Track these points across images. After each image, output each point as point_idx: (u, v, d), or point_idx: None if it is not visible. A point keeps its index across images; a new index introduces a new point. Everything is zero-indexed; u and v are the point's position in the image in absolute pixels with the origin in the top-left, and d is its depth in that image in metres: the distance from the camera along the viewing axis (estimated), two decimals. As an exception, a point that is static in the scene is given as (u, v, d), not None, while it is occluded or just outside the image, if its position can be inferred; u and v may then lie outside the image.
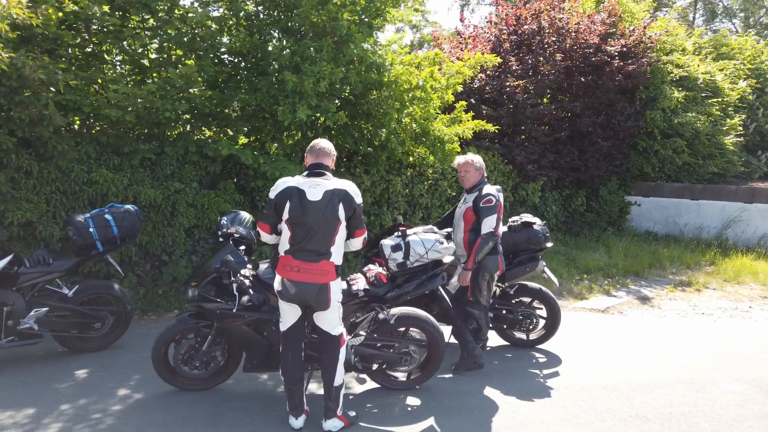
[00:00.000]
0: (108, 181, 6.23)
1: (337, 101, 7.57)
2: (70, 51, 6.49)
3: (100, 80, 6.23)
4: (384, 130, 7.41)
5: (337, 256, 3.79)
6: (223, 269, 4.06)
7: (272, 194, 3.77)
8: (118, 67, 7.17)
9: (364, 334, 4.41)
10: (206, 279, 4.13)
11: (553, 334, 5.83)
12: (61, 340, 5.10)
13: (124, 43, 6.72)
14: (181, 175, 6.83)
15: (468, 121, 8.83)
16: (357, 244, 3.98)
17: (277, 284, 3.79)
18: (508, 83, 10.59)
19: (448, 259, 4.62)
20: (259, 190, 7.39)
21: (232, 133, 7.78)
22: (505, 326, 5.78)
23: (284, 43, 6.96)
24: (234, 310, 4.02)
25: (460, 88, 8.39)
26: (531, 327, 5.76)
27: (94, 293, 5.16)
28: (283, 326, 3.89)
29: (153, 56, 6.91)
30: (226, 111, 7.44)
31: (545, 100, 11.22)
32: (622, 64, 11.32)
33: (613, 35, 11.95)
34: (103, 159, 6.40)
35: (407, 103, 7.44)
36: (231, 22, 7.33)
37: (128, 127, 6.59)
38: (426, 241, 4.40)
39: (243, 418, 4.12)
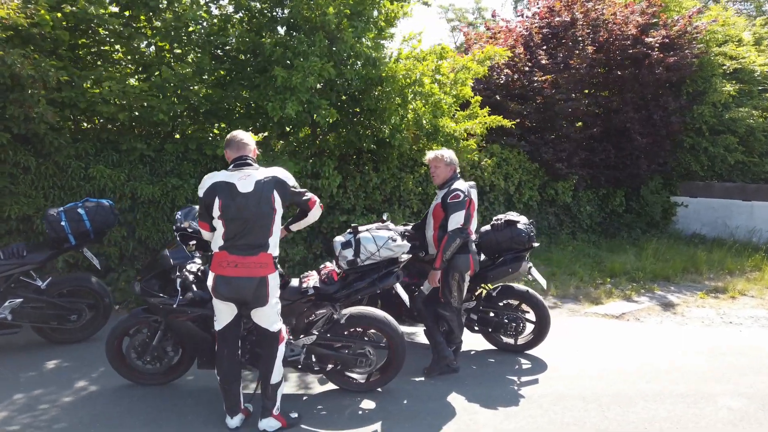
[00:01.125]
0: (105, 177, 6.37)
1: (343, 96, 7.48)
2: (76, 51, 6.68)
3: (98, 78, 6.35)
4: (386, 126, 7.22)
5: (274, 248, 3.69)
6: (163, 264, 4.03)
7: (200, 192, 3.66)
8: (128, 66, 7.29)
9: (317, 333, 4.28)
10: (150, 273, 4.12)
11: (543, 339, 5.50)
12: (38, 331, 5.24)
13: (130, 42, 6.83)
14: (180, 172, 6.90)
15: (484, 116, 8.55)
16: (315, 214, 3.97)
17: (210, 282, 3.68)
18: (535, 78, 10.17)
19: (404, 257, 4.43)
20: (261, 187, 7.38)
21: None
22: (490, 330, 5.50)
23: (277, 38, 6.90)
24: (175, 306, 3.97)
25: (470, 83, 8.10)
26: (518, 331, 5.46)
27: (71, 286, 5.27)
28: (218, 325, 3.79)
29: (155, 55, 7.01)
30: (234, 109, 7.47)
31: (580, 95, 10.69)
32: (662, 56, 10.65)
33: (656, 26, 11.26)
34: (102, 155, 6.55)
35: (409, 99, 7.23)
36: (234, 20, 7.35)
37: (128, 125, 6.71)
38: (378, 238, 4.22)
39: (186, 414, 4.07)
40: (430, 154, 4.94)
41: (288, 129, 7.63)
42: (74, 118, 6.70)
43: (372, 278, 4.25)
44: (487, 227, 5.45)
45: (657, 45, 10.77)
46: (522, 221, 5.36)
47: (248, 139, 3.84)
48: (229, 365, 3.78)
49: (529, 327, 5.51)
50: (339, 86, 7.09)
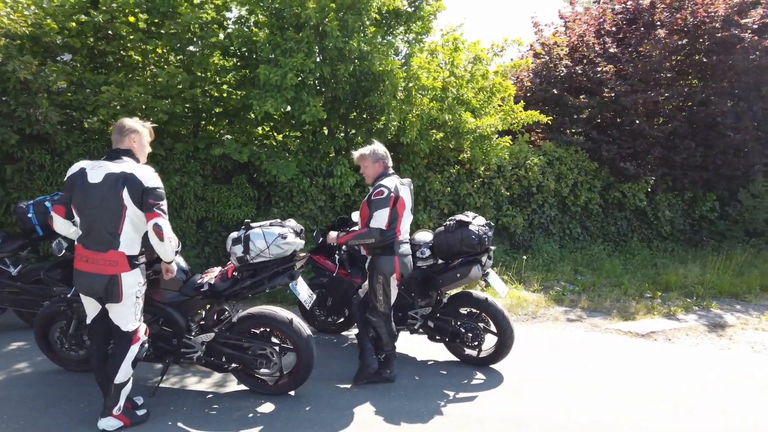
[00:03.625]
0: (113, 175, 6.74)
1: (359, 94, 7.30)
2: (104, 57, 7.17)
3: (105, 81, 6.74)
4: (385, 121, 6.93)
5: (128, 246, 3.50)
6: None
7: (67, 175, 3.61)
8: (152, 69, 7.69)
9: (216, 330, 4.19)
10: (56, 262, 4.27)
11: (506, 353, 4.93)
12: (20, 316, 5.65)
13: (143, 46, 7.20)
14: (186, 170, 7.13)
15: (519, 112, 7.94)
16: (152, 235, 3.49)
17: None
18: (599, 68, 9.24)
19: (301, 255, 4.18)
20: (273, 186, 7.45)
21: (261, 131, 7.98)
22: (447, 339, 5.04)
23: (268, 36, 6.87)
24: (69, 295, 4.08)
25: (491, 74, 7.53)
26: (479, 342, 4.95)
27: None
28: (87, 319, 3.76)
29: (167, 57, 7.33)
30: (246, 108, 7.60)
31: (658, 86, 9.51)
32: (756, 39, 9.16)
33: (756, 5, 9.71)
34: (115, 154, 6.94)
35: (414, 94, 6.87)
36: (250, 20, 7.47)
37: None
38: (267, 235, 4.00)
39: (78, 402, 4.09)
40: (356, 153, 4.65)
41: (308, 127, 7.60)
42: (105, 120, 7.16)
43: (261, 276, 4.05)
44: (441, 228, 5.01)
45: (755, 26, 9.30)
46: (476, 222, 4.86)
47: (129, 126, 3.66)
48: (96, 360, 3.75)
49: (492, 339, 4.97)
50: (345, 83, 6.92)
